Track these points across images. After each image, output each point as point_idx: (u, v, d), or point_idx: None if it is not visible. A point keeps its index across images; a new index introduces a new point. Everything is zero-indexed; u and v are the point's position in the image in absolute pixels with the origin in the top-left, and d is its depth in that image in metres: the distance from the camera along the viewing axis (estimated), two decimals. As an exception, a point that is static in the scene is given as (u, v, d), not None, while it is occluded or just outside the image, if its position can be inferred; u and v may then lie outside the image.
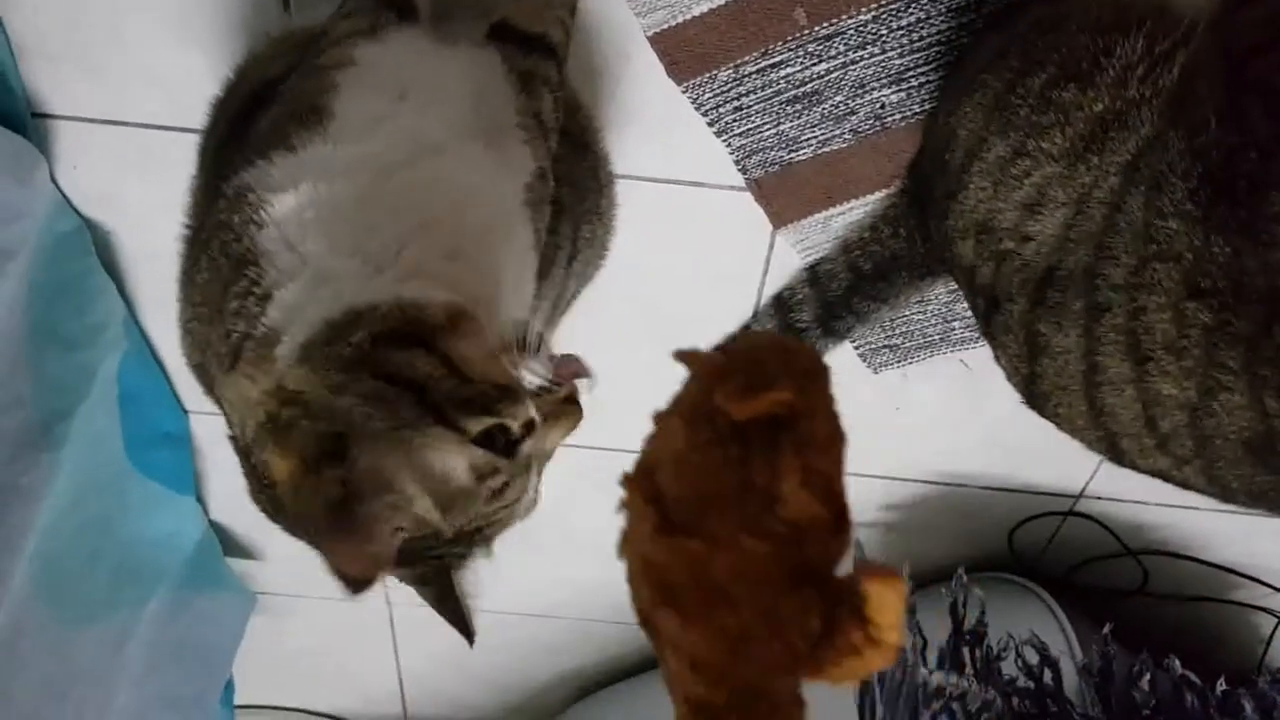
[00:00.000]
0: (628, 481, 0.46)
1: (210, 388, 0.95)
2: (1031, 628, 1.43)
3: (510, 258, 0.96)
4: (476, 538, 0.89)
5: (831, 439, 0.44)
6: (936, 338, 1.45)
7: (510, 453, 0.84)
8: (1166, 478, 1.05)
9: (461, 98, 0.96)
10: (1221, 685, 1.43)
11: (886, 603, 0.41)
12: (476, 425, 0.81)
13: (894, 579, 0.41)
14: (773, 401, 0.44)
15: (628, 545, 0.45)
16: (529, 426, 0.84)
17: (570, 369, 0.90)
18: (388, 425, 0.80)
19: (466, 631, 1.02)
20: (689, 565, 0.43)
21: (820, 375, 0.46)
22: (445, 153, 0.92)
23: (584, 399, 0.92)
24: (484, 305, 0.86)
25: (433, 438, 0.81)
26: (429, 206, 0.89)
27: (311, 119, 0.89)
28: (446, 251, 0.88)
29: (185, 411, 1.62)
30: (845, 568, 0.43)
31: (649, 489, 0.45)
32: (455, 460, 0.82)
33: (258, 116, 0.96)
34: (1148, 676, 1.41)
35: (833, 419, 0.45)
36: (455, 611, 0.98)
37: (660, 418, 0.47)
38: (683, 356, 0.47)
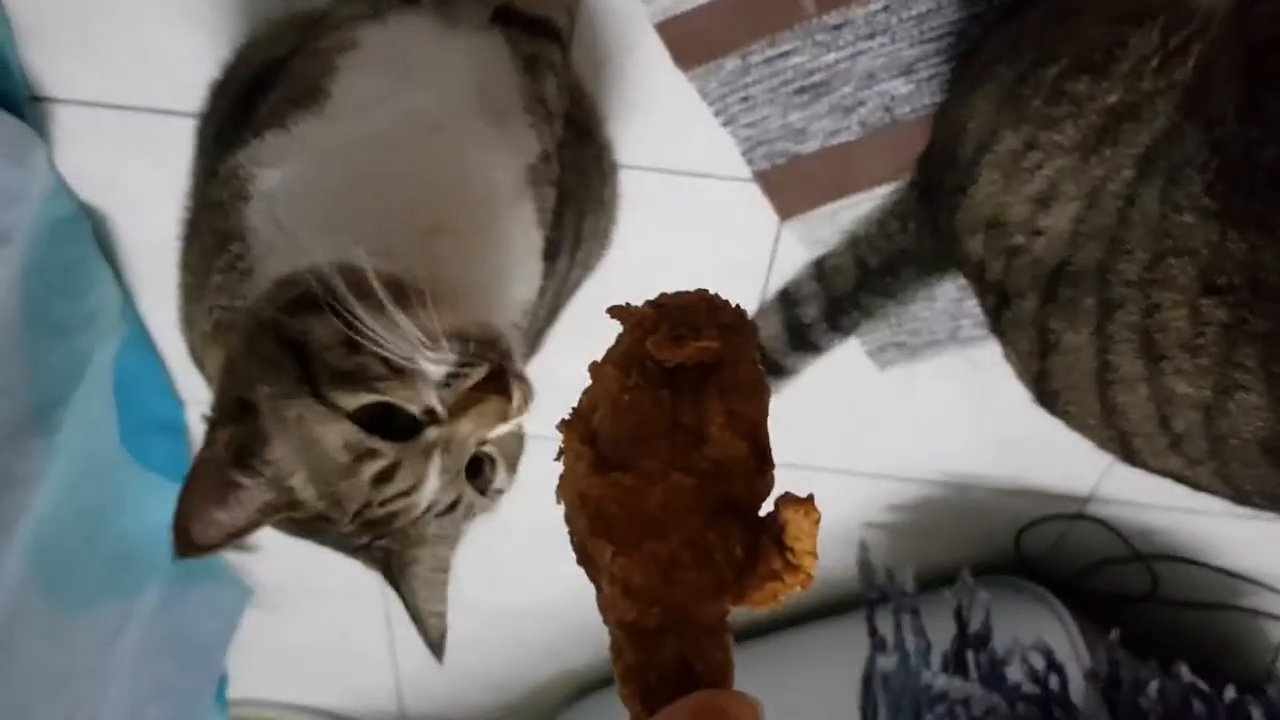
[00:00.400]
0: (565, 426, 0.49)
1: (201, 368, 0.95)
2: (1038, 632, 1.42)
3: (511, 235, 0.94)
4: (385, 528, 0.86)
5: (755, 386, 0.47)
6: (944, 336, 1.43)
7: (403, 437, 0.80)
8: (1179, 478, 1.03)
9: (465, 80, 0.95)
10: (1230, 693, 1.41)
11: (803, 530, 0.44)
12: (350, 400, 0.79)
13: (809, 506, 0.44)
14: (699, 349, 0.47)
15: (565, 485, 0.48)
16: (430, 415, 0.80)
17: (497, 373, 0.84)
18: (271, 391, 0.80)
19: (430, 645, 0.98)
20: (622, 498, 0.46)
21: (745, 327, 0.49)
22: (445, 131, 0.91)
23: (521, 397, 0.84)
24: (456, 285, 0.84)
25: (305, 409, 0.79)
26: (420, 183, 0.88)
27: (308, 100, 0.89)
28: (429, 227, 0.87)
29: (181, 401, 1.61)
30: (768, 504, 0.45)
31: (584, 431, 0.48)
32: (329, 435, 0.80)
33: (258, 100, 0.95)
34: (1155, 683, 1.39)
35: (755, 368, 0.48)
36: (416, 620, 0.95)
37: (595, 367, 0.49)
38: (616, 311, 0.51)
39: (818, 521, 0.44)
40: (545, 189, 0.99)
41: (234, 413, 0.83)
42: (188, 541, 0.81)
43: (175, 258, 1.03)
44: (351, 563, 2.03)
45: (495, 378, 0.80)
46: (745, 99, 1.23)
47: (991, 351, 1.14)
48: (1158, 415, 0.97)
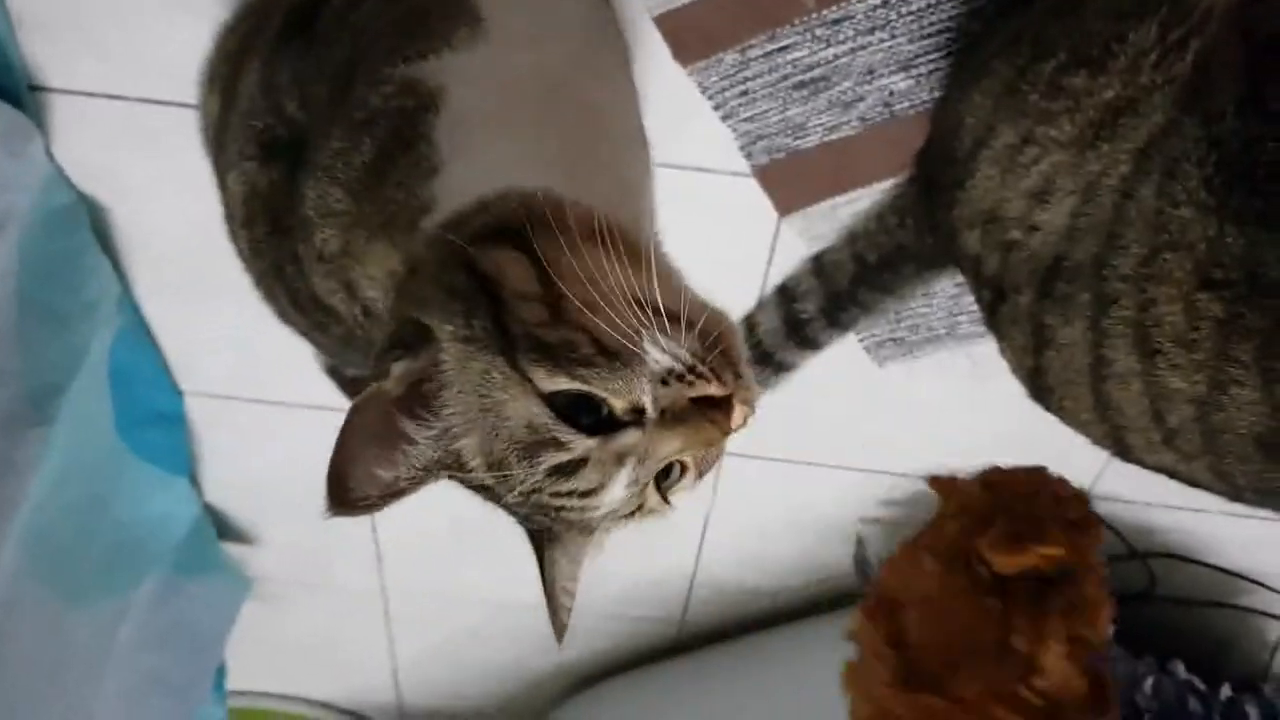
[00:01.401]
0: (866, 612, 0.44)
1: (345, 278, 0.86)
2: (1034, 629, 1.41)
3: (645, 182, 0.91)
4: (550, 517, 0.76)
5: (1100, 604, 0.42)
6: (942, 332, 1.43)
7: (597, 432, 0.70)
8: (1172, 474, 1.03)
9: (585, 22, 0.95)
10: (1226, 691, 1.42)
11: None
12: (548, 382, 0.69)
13: None
14: (1043, 557, 0.42)
15: (857, 683, 0.43)
16: (636, 412, 0.70)
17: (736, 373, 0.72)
18: (457, 333, 0.71)
19: (555, 624, 0.90)
20: None
21: (1093, 528, 0.44)
22: (591, 72, 0.89)
23: (742, 420, 0.73)
24: (638, 230, 0.77)
25: (496, 367, 0.70)
26: (583, 115, 0.85)
27: (466, 18, 0.85)
28: (603, 163, 0.82)
29: (180, 392, 1.61)
30: None
31: (891, 630, 0.43)
32: (513, 406, 0.70)
33: (326, 11, 0.93)
34: (1151, 680, 1.39)
35: (1102, 581, 0.42)
36: (548, 594, 0.87)
37: (908, 550, 0.45)
38: (939, 484, 0.45)
39: None
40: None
41: (411, 340, 0.73)
42: (343, 495, 0.71)
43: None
44: (352, 556, 2.04)
45: (724, 401, 0.70)
46: (744, 93, 1.23)
47: (989, 348, 1.14)
48: (1152, 410, 0.96)
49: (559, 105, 0.85)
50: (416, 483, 0.73)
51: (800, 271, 1.37)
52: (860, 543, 1.57)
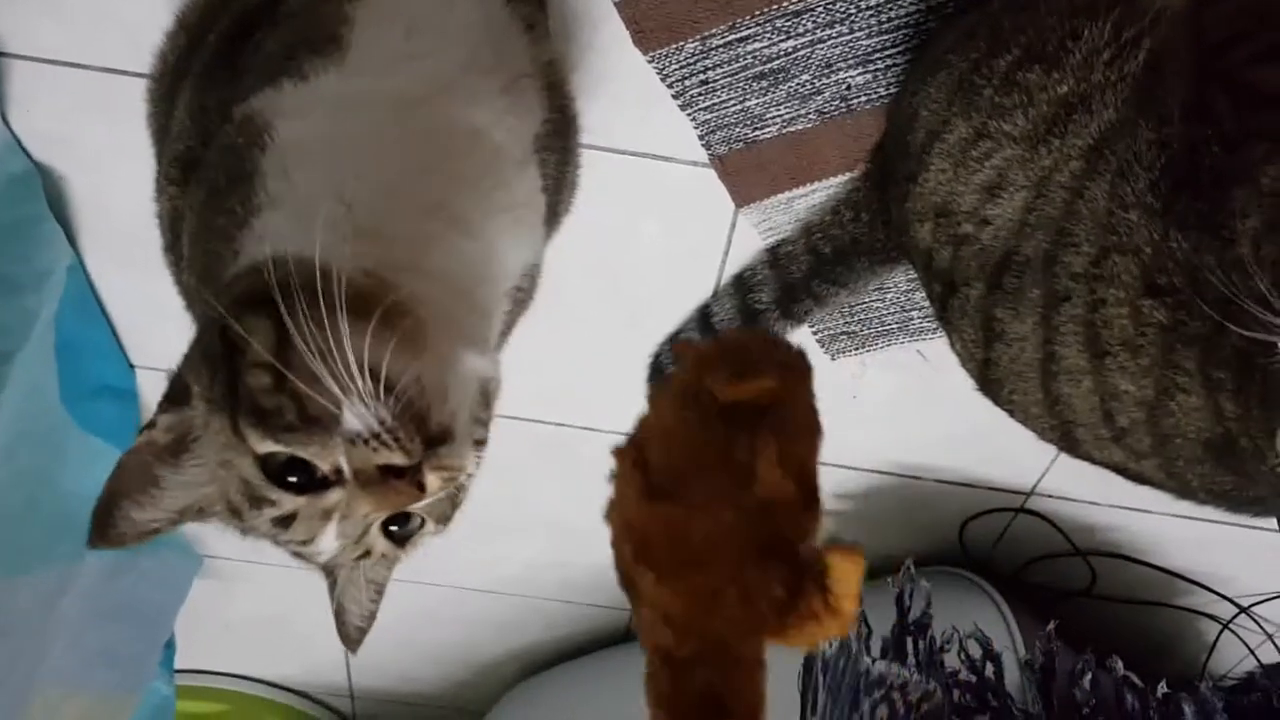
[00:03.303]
0: (618, 452, 0.49)
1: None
2: (976, 622, 1.43)
3: (517, 202, 0.91)
4: (298, 558, 0.82)
5: (808, 427, 0.48)
6: (895, 326, 1.44)
7: (305, 490, 0.74)
8: (1121, 471, 1.04)
9: (474, 37, 0.92)
10: (1163, 688, 1.43)
11: (846, 575, 0.45)
12: (259, 444, 0.73)
13: (855, 553, 0.45)
14: (757, 388, 0.48)
15: (614, 510, 0.49)
16: (339, 474, 0.74)
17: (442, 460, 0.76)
18: (203, 393, 0.76)
19: (343, 638, 0.95)
20: (667, 528, 0.46)
21: (802, 369, 0.50)
22: (459, 92, 0.87)
23: (439, 485, 0.77)
24: (435, 281, 0.80)
25: (224, 430, 0.75)
26: (432, 148, 0.85)
27: (327, 47, 0.85)
28: (432, 204, 0.82)
29: (132, 367, 1.59)
30: (813, 543, 0.46)
31: (637, 457, 0.49)
32: (239, 465, 0.75)
33: (252, 38, 0.92)
34: (1089, 675, 1.41)
35: (811, 410, 0.49)
36: (335, 615, 0.93)
37: (652, 396, 0.50)
38: (678, 347, 0.52)
39: (863, 569, 0.45)
40: (549, 155, 0.96)
41: (178, 395, 0.78)
42: (105, 531, 0.77)
43: (156, 206, 1.00)
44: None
45: (411, 470, 0.74)
46: (704, 83, 1.23)
47: (941, 345, 1.15)
48: (1101, 409, 0.97)
49: (403, 139, 0.84)
50: (170, 524, 0.80)
51: (756, 263, 1.38)
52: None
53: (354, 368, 0.71)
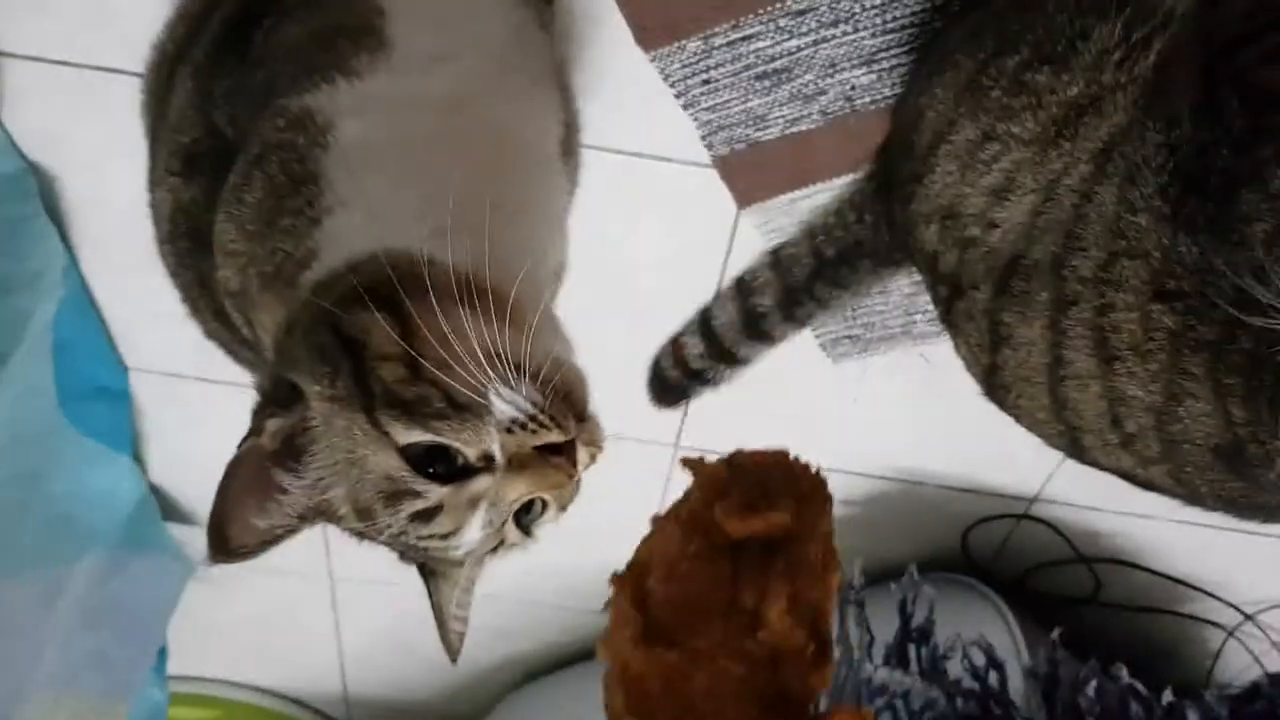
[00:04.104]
0: (616, 581, 0.47)
1: (246, 315, 0.89)
2: (980, 629, 1.42)
3: (553, 204, 0.92)
4: (419, 556, 0.83)
5: (825, 567, 0.45)
6: (898, 330, 1.43)
7: (451, 480, 0.75)
8: (1129, 477, 1.02)
9: (497, 31, 0.93)
10: (1168, 696, 1.42)
11: None
12: (404, 435, 0.74)
13: (865, 718, 0.42)
14: (770, 523, 0.45)
15: (608, 646, 0.46)
16: (487, 460, 0.75)
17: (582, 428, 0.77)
18: (323, 391, 0.76)
19: (448, 648, 0.97)
20: (665, 677, 0.43)
21: (821, 500, 0.47)
22: (501, 95, 0.88)
23: (588, 461, 0.79)
24: (509, 271, 0.79)
25: (357, 424, 0.75)
26: (484, 148, 0.85)
27: (369, 43, 0.85)
28: (493, 199, 0.82)
29: (125, 368, 1.58)
30: (820, 700, 0.43)
31: (637, 592, 0.46)
32: (374, 459, 0.75)
33: (259, 24, 0.92)
34: (1094, 683, 1.40)
35: (829, 547, 0.46)
36: (439, 621, 0.94)
37: (658, 521, 0.47)
38: (689, 464, 0.49)
39: None
40: (572, 160, 0.97)
41: (284, 398, 0.78)
42: (224, 545, 0.77)
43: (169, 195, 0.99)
44: (299, 541, 2.01)
45: (565, 446, 0.75)
46: (706, 82, 1.22)
47: (944, 348, 1.14)
48: (1110, 414, 0.96)
49: (459, 138, 0.85)
50: (291, 530, 0.80)
51: (758, 265, 1.36)
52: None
53: (488, 354, 0.72)
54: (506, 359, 0.73)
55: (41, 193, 1.38)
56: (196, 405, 1.65)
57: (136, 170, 1.08)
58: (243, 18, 0.95)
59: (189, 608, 1.86)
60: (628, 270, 1.43)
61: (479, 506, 0.76)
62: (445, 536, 0.77)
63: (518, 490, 0.76)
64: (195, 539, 1.88)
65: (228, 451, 0.81)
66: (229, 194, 0.86)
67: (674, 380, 1.43)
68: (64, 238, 1.43)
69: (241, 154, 0.86)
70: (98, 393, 1.55)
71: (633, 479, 1.72)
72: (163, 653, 1.86)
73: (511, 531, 0.80)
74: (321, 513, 0.79)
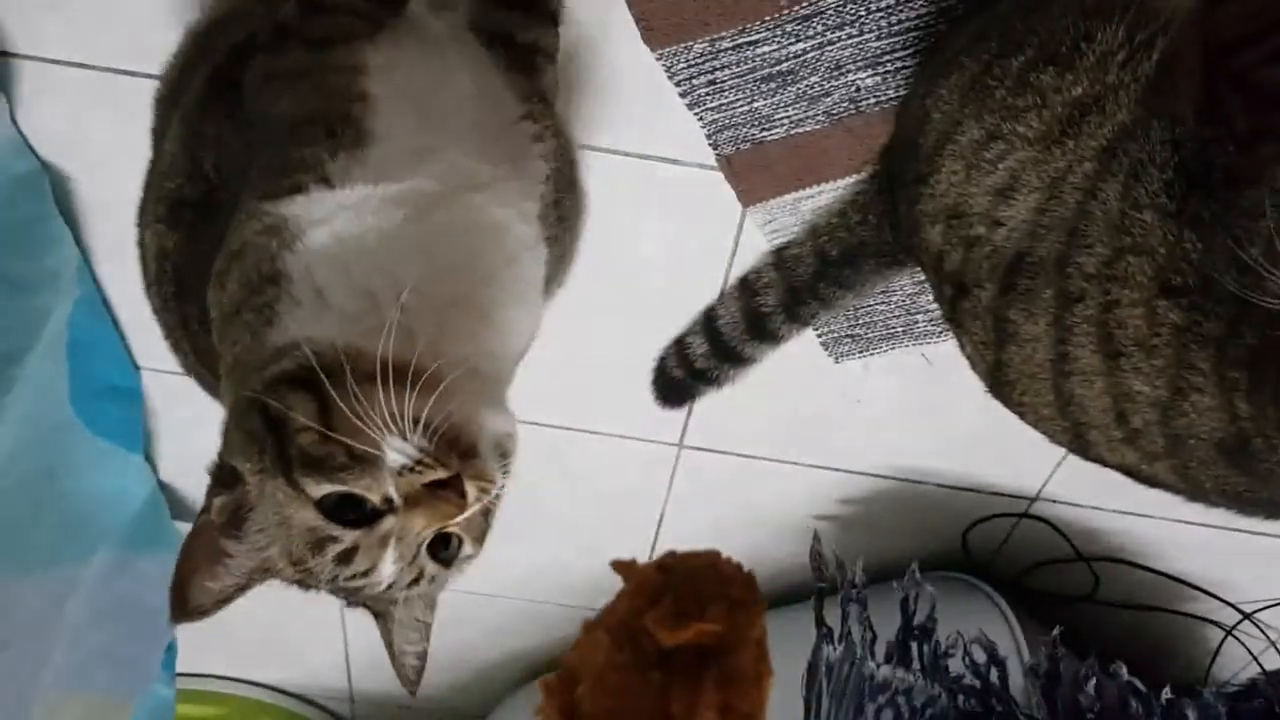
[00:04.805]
0: (545, 689, 0.46)
1: (213, 386, 1.00)
2: (981, 627, 1.43)
3: (526, 283, 0.98)
4: (355, 597, 0.91)
5: (756, 676, 0.45)
6: (900, 330, 1.44)
7: (361, 524, 0.84)
8: (1133, 473, 1.03)
9: (467, 93, 0.97)
10: (1167, 694, 1.43)
11: None
12: (316, 489, 0.82)
13: None
14: (700, 631, 0.45)
15: None
16: (388, 502, 0.83)
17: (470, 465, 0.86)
18: (254, 468, 0.85)
19: (403, 680, 1.05)
20: None
21: (753, 605, 0.46)
22: (472, 185, 0.93)
23: (476, 493, 0.86)
24: (439, 348, 0.87)
25: (280, 489, 0.84)
26: (449, 242, 0.91)
27: (348, 138, 0.89)
28: (451, 298, 0.90)
29: (137, 367, 1.59)
30: None
31: (565, 703, 0.45)
32: (298, 517, 0.84)
33: (246, 65, 0.96)
34: (1093, 681, 1.40)
35: (761, 655, 0.45)
36: (391, 656, 1.02)
37: (589, 627, 0.47)
38: (620, 567, 0.48)
39: None
40: (552, 221, 1.02)
41: (227, 479, 0.87)
42: (183, 606, 0.87)
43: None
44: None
45: (452, 481, 0.83)
46: (712, 83, 1.23)
47: (946, 348, 1.15)
48: (1115, 410, 0.97)
49: (425, 235, 0.90)
50: (241, 588, 0.89)
51: (762, 265, 1.38)
52: (817, 538, 1.58)
53: (389, 417, 0.81)
54: (406, 419, 0.81)
55: (55, 193, 1.39)
56: (206, 405, 1.66)
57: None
58: (230, 64, 1.00)
59: (195, 606, 1.87)
60: (633, 271, 1.44)
61: (389, 544, 0.84)
62: (365, 574, 0.85)
63: (417, 524, 0.84)
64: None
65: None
66: (215, 277, 0.94)
67: (678, 380, 1.44)
68: (77, 238, 1.44)
69: (226, 238, 0.93)
70: (110, 392, 1.55)
71: (637, 478, 1.73)
72: (171, 650, 1.86)
73: (429, 565, 0.88)
74: (265, 570, 0.88)
